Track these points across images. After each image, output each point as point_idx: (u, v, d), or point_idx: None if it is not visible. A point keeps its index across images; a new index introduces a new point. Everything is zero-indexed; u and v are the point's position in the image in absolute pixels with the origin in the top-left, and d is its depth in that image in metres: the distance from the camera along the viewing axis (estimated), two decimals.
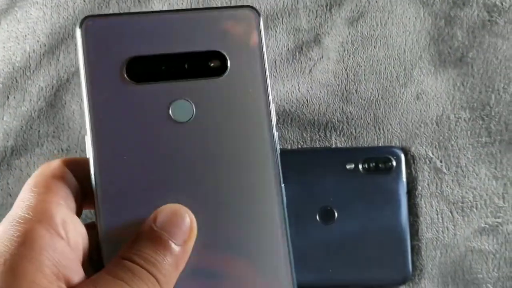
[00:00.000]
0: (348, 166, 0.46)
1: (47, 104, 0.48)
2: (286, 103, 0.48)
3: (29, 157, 0.48)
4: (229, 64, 0.28)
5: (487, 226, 0.46)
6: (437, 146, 0.47)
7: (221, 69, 0.28)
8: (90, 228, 0.27)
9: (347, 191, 0.46)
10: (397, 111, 0.47)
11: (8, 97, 0.48)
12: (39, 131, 0.48)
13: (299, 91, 0.48)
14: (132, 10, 0.49)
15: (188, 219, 0.26)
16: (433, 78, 0.47)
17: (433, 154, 0.47)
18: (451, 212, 0.46)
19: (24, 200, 0.25)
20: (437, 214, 0.46)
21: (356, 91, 0.48)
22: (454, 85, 0.47)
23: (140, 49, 0.28)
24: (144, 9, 0.49)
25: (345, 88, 0.48)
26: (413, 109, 0.47)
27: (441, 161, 0.47)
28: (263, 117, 0.28)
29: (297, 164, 0.46)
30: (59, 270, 0.24)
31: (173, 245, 0.25)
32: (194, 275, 0.27)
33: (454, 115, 0.47)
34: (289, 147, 0.47)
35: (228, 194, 0.28)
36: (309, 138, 0.47)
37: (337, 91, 0.48)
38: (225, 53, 0.28)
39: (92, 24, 0.28)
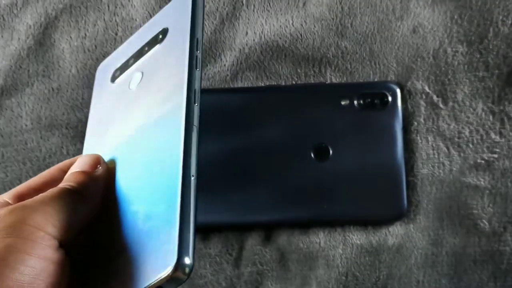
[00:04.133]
0: (343, 102, 0.45)
1: (35, 42, 0.47)
2: (280, 38, 0.47)
3: (19, 97, 0.47)
4: (168, 31, 0.33)
5: (483, 161, 0.45)
6: (433, 81, 0.46)
7: (163, 37, 0.33)
8: None
9: (342, 127, 0.45)
10: (393, 45, 0.46)
11: None
12: (28, 70, 0.47)
13: (293, 25, 0.47)
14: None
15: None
16: (430, 10, 0.46)
17: (429, 89, 0.46)
18: (447, 148, 0.45)
19: None
20: (433, 150, 0.46)
21: (351, 25, 0.47)
22: (452, 17, 0.46)
23: (118, 62, 0.36)
24: None
25: (340, 22, 0.47)
26: (410, 43, 0.46)
27: (437, 96, 0.46)
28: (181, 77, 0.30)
29: (291, 100, 0.46)
30: None
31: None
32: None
33: (451, 48, 0.46)
34: (283, 83, 0.47)
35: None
36: (303, 74, 0.47)
37: (332, 25, 0.47)
38: (168, 27, 0.33)
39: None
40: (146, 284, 0.24)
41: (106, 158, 0.31)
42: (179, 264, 0.23)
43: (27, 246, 0.24)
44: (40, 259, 0.24)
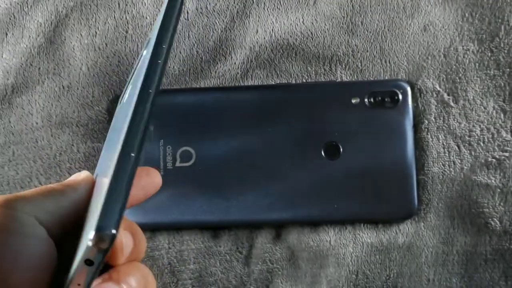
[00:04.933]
0: (353, 100, 0.45)
1: (46, 40, 0.47)
2: (290, 36, 0.47)
3: (30, 94, 0.47)
4: (149, 40, 0.32)
5: (494, 160, 0.45)
6: (444, 79, 0.46)
7: (146, 47, 0.32)
8: None
9: (352, 125, 0.45)
10: (403, 43, 0.46)
11: (6, 34, 0.48)
12: (39, 68, 0.47)
13: (304, 23, 0.47)
14: None
15: None
16: (441, 8, 0.46)
17: (440, 87, 0.46)
18: (458, 146, 0.45)
19: None
20: (444, 148, 0.45)
21: (361, 23, 0.46)
22: (463, 15, 0.46)
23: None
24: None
25: (351, 20, 0.47)
26: (420, 41, 0.46)
27: (448, 94, 0.46)
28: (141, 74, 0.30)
29: (301, 98, 0.46)
30: None
31: None
32: None
33: (462, 47, 0.46)
34: (293, 81, 0.47)
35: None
36: (313, 72, 0.47)
37: (342, 23, 0.47)
38: (150, 36, 0.33)
39: None
40: (79, 258, 0.25)
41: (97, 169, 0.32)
42: (98, 233, 0.23)
43: (3, 225, 0.26)
44: (18, 235, 0.26)
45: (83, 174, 0.31)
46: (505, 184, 0.45)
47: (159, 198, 0.43)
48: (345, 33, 0.47)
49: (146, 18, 0.47)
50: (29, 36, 0.47)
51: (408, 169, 0.45)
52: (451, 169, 0.45)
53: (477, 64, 0.46)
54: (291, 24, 0.47)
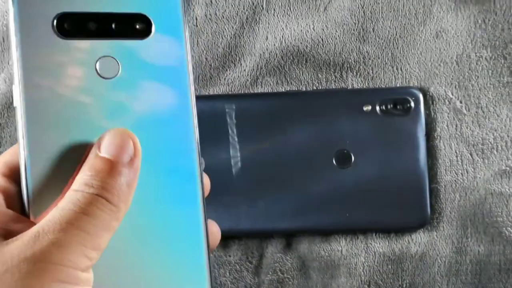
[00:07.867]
0: (365, 108, 0.45)
1: None
2: (301, 43, 0.46)
3: None
4: (153, 28, 0.29)
5: (508, 168, 0.45)
6: (457, 86, 0.45)
7: (147, 31, 0.29)
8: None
9: (364, 133, 0.45)
10: (415, 50, 0.46)
11: None
12: None
13: (314, 30, 0.46)
14: None
15: (131, 139, 0.27)
16: (454, 15, 0.46)
17: (452, 95, 0.45)
18: (471, 154, 0.45)
19: None
20: (457, 156, 0.45)
21: (373, 29, 0.46)
22: (476, 22, 0.46)
23: (70, 7, 0.28)
24: None
25: (362, 27, 0.46)
26: (432, 48, 0.46)
27: (461, 102, 0.45)
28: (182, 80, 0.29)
29: (312, 106, 0.45)
30: None
31: (120, 166, 0.26)
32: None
33: (475, 53, 0.45)
34: (303, 89, 0.46)
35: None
36: (324, 79, 0.46)
37: (354, 30, 0.46)
38: (150, 17, 0.29)
39: None
40: None
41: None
42: None
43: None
44: None
45: (137, 155, 0.28)
46: None
47: None
48: (356, 39, 0.46)
49: None
50: None
51: (421, 177, 0.44)
52: (464, 177, 0.45)
53: (490, 71, 0.45)
54: (301, 31, 0.46)
